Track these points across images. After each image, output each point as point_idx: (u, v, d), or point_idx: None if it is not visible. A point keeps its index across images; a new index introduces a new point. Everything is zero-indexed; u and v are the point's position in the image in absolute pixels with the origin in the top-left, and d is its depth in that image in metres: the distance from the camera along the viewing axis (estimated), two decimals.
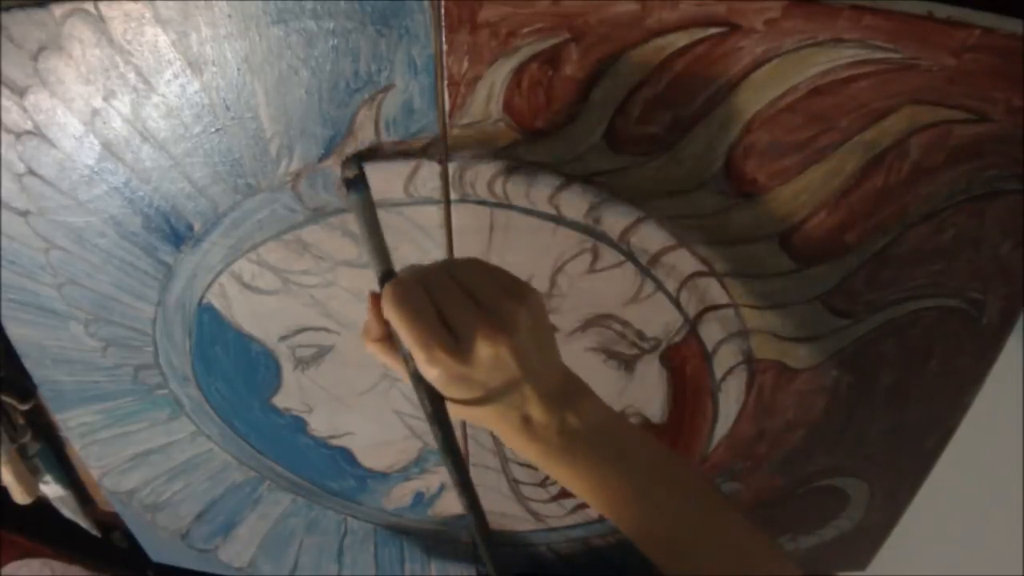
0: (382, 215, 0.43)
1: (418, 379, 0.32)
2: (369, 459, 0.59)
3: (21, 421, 0.67)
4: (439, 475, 0.58)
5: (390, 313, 0.31)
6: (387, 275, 0.34)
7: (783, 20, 0.34)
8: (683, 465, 0.36)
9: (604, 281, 0.45)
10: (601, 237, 0.43)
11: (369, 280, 0.47)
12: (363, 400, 0.54)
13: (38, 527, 0.79)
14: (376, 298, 0.34)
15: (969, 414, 0.52)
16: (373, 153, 0.39)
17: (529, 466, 0.56)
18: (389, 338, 0.34)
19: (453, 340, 0.30)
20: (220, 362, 0.54)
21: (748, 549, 0.34)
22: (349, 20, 0.36)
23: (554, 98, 0.37)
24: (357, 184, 0.37)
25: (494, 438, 0.54)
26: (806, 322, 0.46)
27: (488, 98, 0.38)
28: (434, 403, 0.33)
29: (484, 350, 0.30)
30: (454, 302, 0.31)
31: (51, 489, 0.74)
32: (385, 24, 0.36)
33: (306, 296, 0.48)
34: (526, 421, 0.33)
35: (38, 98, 0.41)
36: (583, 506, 0.59)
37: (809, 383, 0.49)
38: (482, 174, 0.41)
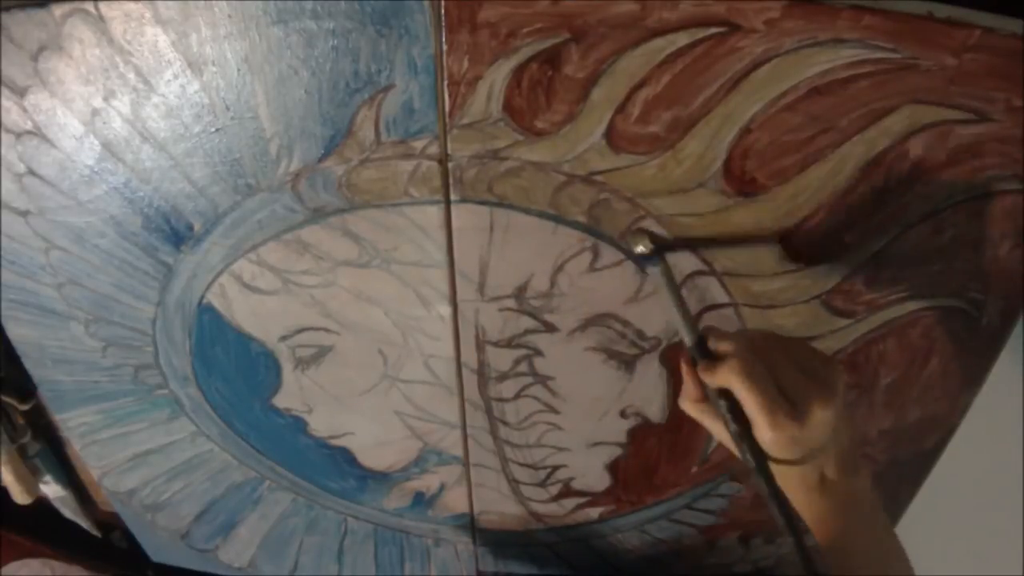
0: (382, 215, 0.43)
1: (742, 438, 0.36)
2: (369, 459, 0.59)
3: (21, 421, 0.67)
4: (439, 475, 0.58)
5: (737, 382, 0.35)
6: (700, 342, 0.38)
7: (783, 20, 0.34)
8: (895, 535, 0.40)
9: (604, 280, 0.45)
10: (601, 236, 0.43)
11: (368, 280, 0.47)
12: (363, 400, 0.54)
13: (38, 527, 0.79)
14: (691, 363, 0.38)
15: (969, 414, 0.52)
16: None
17: (530, 466, 0.56)
18: (705, 399, 0.38)
19: (791, 406, 0.34)
20: (220, 362, 0.54)
21: None
22: (349, 20, 0.36)
23: (554, 98, 0.37)
24: (653, 257, 0.40)
25: (494, 438, 0.54)
26: (806, 322, 0.46)
27: (488, 98, 0.38)
28: (759, 459, 0.36)
29: (818, 415, 0.34)
30: (788, 373, 0.35)
31: (51, 489, 0.74)
32: (385, 24, 0.36)
33: (306, 296, 0.48)
34: (822, 479, 0.36)
35: (38, 98, 0.41)
36: (583, 506, 0.59)
37: None
38: (482, 174, 0.41)
